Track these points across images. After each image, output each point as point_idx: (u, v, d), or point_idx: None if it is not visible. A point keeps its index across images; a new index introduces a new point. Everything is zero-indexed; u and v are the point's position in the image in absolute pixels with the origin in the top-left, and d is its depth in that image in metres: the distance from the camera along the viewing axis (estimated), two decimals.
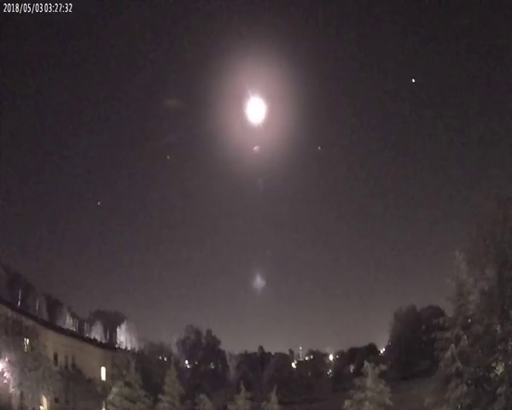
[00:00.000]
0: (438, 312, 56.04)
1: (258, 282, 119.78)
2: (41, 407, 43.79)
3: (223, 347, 75.88)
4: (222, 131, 73.99)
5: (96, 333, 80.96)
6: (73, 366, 52.33)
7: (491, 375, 27.74)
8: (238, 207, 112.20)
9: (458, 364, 28.50)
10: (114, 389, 43.83)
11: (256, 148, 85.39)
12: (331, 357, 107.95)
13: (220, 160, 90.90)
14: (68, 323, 76.20)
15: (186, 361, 72.05)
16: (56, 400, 46.45)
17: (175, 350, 71.31)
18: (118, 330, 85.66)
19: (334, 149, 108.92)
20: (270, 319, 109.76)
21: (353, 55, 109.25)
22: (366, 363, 32.94)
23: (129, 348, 70.39)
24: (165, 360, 64.44)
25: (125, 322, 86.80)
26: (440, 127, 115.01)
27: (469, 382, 28.09)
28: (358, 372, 35.90)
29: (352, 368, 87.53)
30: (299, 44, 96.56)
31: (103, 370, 55.90)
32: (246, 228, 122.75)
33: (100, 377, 54.67)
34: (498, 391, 26.88)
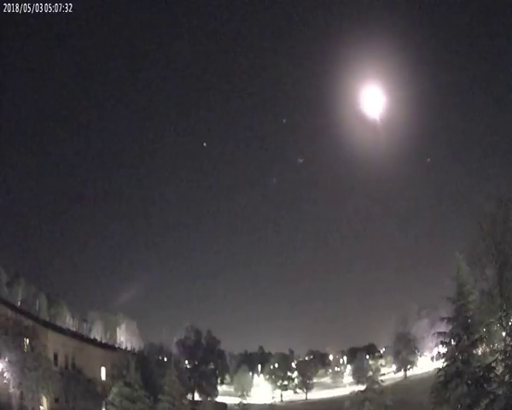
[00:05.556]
0: (437, 312, 56.03)
1: (259, 282, 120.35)
2: (41, 407, 43.77)
3: (223, 347, 75.76)
4: (337, 125, 70.83)
5: (96, 333, 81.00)
6: (73, 366, 52.23)
7: (491, 375, 27.71)
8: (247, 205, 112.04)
9: (458, 364, 28.50)
10: (114, 389, 43.80)
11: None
12: (331, 357, 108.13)
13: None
14: (68, 323, 76.22)
15: (186, 361, 71.92)
16: (56, 400, 46.40)
17: (175, 350, 71.16)
18: (118, 330, 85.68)
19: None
20: (270, 319, 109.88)
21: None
22: (366, 363, 32.97)
23: (129, 348, 70.30)
24: (165, 360, 64.32)
25: (125, 322, 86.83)
26: (441, 127, 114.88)
27: (469, 382, 28.07)
28: (358, 372, 35.95)
29: (351, 368, 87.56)
30: (426, 36, 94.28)
31: (103, 370, 55.81)
32: (245, 228, 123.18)
33: (100, 377, 54.59)
34: (498, 391, 26.90)
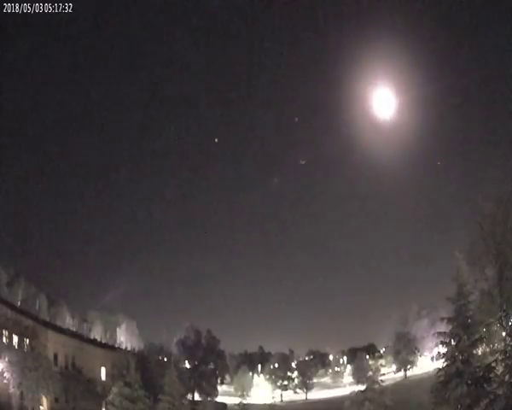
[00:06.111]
0: (437, 312, 56.10)
1: (259, 282, 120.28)
2: (41, 407, 43.78)
3: (223, 347, 75.77)
4: (345, 126, 70.00)
5: (96, 333, 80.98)
6: (73, 365, 52.25)
7: (491, 375, 27.74)
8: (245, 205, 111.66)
9: (458, 364, 28.53)
10: (114, 389, 43.84)
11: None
12: (331, 357, 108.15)
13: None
14: (68, 323, 76.20)
15: (186, 361, 71.96)
16: (56, 400, 46.41)
17: (175, 350, 71.18)
18: (118, 330, 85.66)
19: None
20: (270, 319, 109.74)
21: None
22: (366, 363, 33.04)
23: (129, 348, 70.30)
24: (165, 360, 64.38)
25: (125, 322, 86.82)
26: (441, 127, 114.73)
27: (469, 382, 28.09)
28: (358, 372, 35.99)
29: (351, 368, 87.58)
30: (438, 36, 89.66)
31: (103, 370, 55.83)
32: (246, 229, 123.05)
33: (100, 377, 54.60)
34: (498, 391, 26.92)
